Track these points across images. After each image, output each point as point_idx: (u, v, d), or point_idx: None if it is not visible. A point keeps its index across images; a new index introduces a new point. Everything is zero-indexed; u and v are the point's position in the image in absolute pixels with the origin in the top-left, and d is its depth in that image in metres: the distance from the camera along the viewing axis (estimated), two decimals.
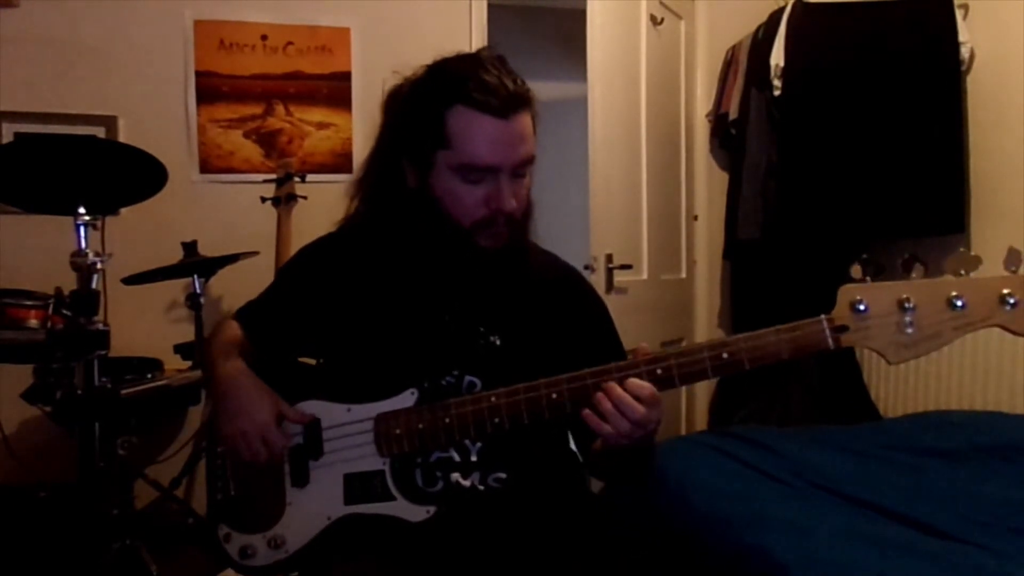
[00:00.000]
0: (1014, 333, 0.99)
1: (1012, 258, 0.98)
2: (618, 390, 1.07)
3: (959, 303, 0.99)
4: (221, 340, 1.35)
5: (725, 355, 1.06)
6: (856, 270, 1.04)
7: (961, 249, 1.02)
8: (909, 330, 1.01)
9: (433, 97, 1.18)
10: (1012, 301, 0.98)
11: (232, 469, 1.30)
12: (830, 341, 1.03)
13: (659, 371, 1.08)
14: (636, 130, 3.02)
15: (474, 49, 1.26)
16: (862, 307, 1.02)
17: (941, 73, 2.82)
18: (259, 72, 3.12)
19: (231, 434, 1.21)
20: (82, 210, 2.03)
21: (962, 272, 1.00)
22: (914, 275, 1.02)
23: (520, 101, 1.17)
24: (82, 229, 2.03)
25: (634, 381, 1.07)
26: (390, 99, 1.27)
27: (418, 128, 1.19)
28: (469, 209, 1.18)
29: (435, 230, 1.21)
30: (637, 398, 1.07)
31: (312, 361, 1.42)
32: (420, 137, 1.19)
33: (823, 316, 1.04)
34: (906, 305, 1.00)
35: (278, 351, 1.35)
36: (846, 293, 1.03)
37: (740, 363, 1.06)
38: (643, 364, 1.09)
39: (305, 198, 2.82)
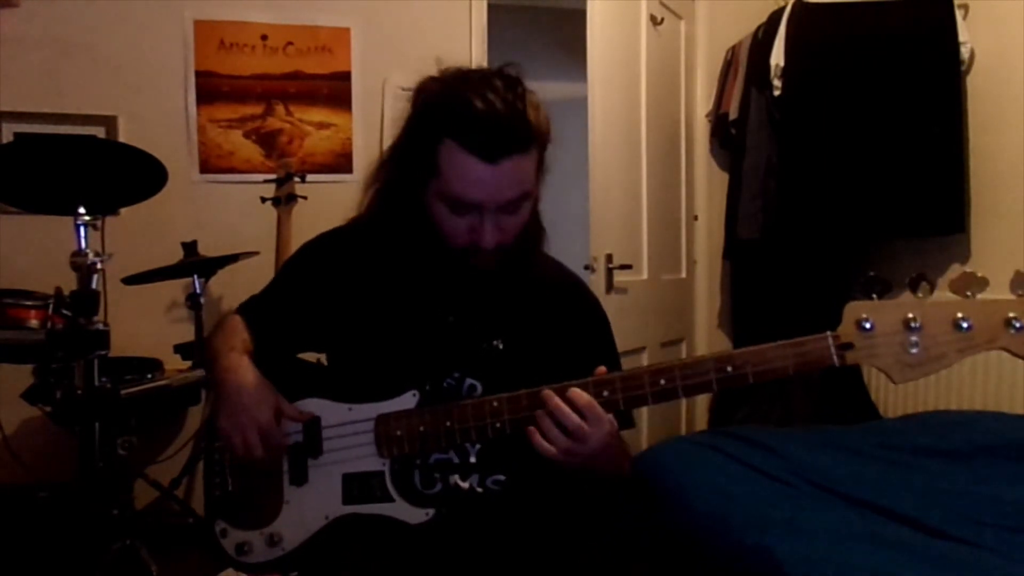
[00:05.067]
0: (1019, 356, 0.98)
1: (1019, 281, 0.97)
2: (555, 399, 1.06)
3: (965, 324, 0.98)
4: (225, 334, 1.35)
5: (729, 369, 1.06)
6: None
7: (968, 270, 1.02)
8: (914, 350, 1.00)
9: (430, 124, 1.15)
10: (1018, 324, 0.97)
11: (230, 465, 1.30)
12: (835, 358, 1.03)
13: (663, 382, 1.08)
14: (636, 130, 3.02)
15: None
16: (868, 325, 1.01)
17: (941, 73, 2.82)
18: (259, 72, 3.12)
19: (229, 429, 1.21)
20: (82, 210, 2.03)
21: (968, 293, 0.99)
22: (920, 294, 1.01)
23: (515, 144, 1.11)
24: (82, 229, 2.03)
25: (575, 391, 1.06)
26: (417, 95, 1.21)
27: (414, 151, 1.18)
28: (454, 235, 1.18)
29: (437, 240, 1.21)
30: (574, 408, 1.05)
31: (314, 358, 1.42)
32: (415, 160, 1.18)
33: (829, 333, 1.03)
34: (912, 325, 1.00)
35: (279, 347, 1.35)
36: (852, 310, 1.02)
37: (744, 377, 1.06)
38: (646, 376, 1.09)
39: (305, 198, 2.82)
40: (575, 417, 1.05)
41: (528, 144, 1.13)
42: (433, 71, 1.20)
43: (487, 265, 1.20)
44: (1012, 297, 0.98)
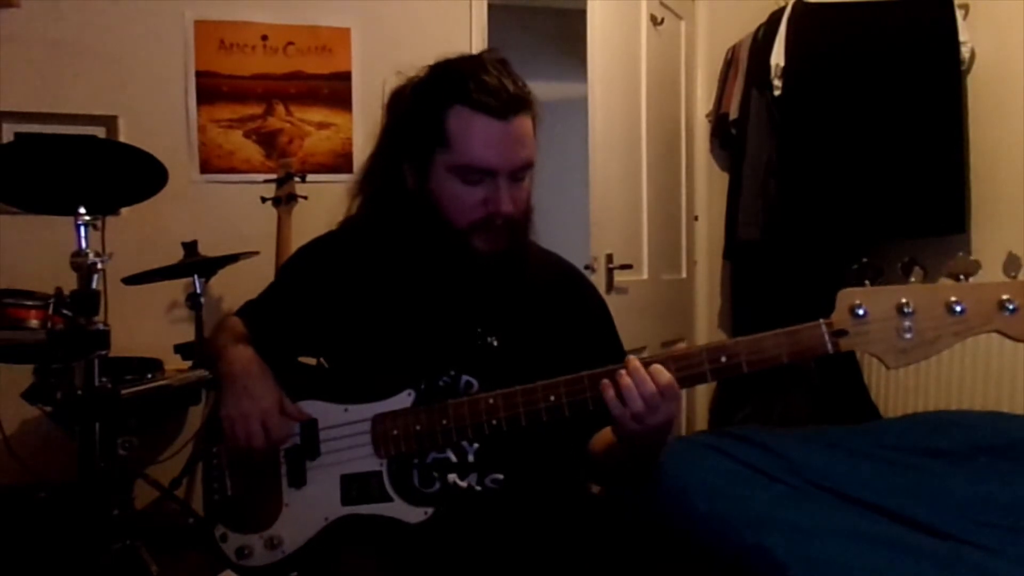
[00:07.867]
0: (1012, 339, 0.99)
1: (1011, 264, 0.97)
2: (639, 366, 1.06)
3: (958, 308, 0.98)
4: (230, 330, 1.37)
5: (724, 359, 1.05)
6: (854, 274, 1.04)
7: (960, 253, 1.02)
8: (908, 335, 1.00)
9: (434, 96, 1.18)
10: (1011, 307, 0.97)
11: (229, 469, 1.30)
12: (829, 346, 1.02)
13: None
14: (636, 130, 3.02)
15: (475, 50, 1.26)
16: (861, 311, 1.01)
17: (941, 73, 2.82)
18: (259, 72, 3.12)
19: (232, 415, 1.21)
20: (82, 210, 2.02)
21: (961, 277, 1.00)
22: (913, 279, 1.01)
23: (520, 104, 1.17)
24: (82, 229, 2.03)
25: (656, 366, 1.06)
26: (392, 99, 1.27)
27: (418, 127, 1.19)
28: (466, 210, 1.18)
29: (432, 231, 1.21)
30: (654, 381, 1.05)
31: (312, 361, 1.42)
32: (419, 136, 1.19)
33: (822, 320, 1.03)
34: (905, 310, 1.00)
35: (277, 350, 1.35)
36: (845, 297, 1.02)
37: (739, 367, 1.05)
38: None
39: (305, 198, 2.82)
40: (651, 385, 1.05)
41: (530, 105, 1.18)
42: None
43: (496, 245, 1.20)
44: (1005, 279, 0.98)
